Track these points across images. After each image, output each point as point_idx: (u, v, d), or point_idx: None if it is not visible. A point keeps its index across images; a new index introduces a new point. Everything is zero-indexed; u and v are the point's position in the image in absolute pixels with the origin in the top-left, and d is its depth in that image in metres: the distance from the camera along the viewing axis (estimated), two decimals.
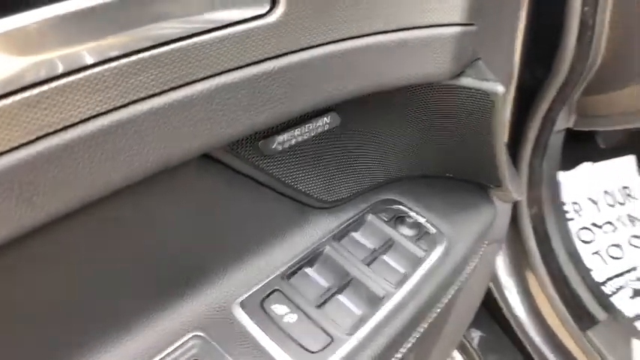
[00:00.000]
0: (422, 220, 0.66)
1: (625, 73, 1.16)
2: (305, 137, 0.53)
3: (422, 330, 0.61)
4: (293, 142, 0.52)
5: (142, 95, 0.36)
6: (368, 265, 0.60)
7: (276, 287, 0.57)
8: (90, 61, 0.34)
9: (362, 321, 0.55)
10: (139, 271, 0.49)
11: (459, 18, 0.51)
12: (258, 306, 0.55)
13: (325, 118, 0.54)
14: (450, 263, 0.63)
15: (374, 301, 0.57)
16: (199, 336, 0.52)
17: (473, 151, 0.64)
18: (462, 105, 0.57)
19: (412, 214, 0.66)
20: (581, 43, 1.07)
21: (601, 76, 1.15)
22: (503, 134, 0.63)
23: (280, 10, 0.41)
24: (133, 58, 0.35)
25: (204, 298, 0.55)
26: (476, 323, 1.37)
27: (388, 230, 0.63)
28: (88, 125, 0.34)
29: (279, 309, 0.55)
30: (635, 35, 1.10)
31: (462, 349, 1.38)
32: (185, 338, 0.52)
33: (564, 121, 1.21)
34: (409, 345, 0.59)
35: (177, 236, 0.51)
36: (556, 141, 1.22)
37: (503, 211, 0.79)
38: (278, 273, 0.58)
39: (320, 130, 0.54)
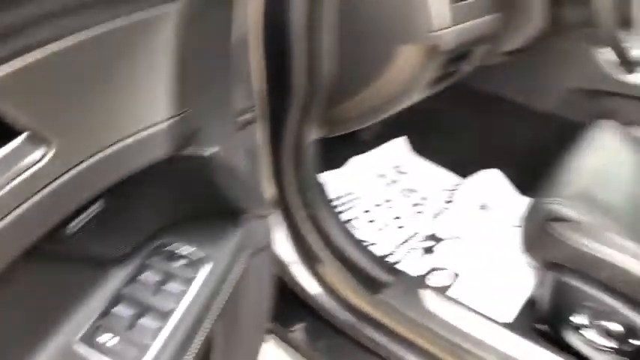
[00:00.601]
0: (190, 250, 0.98)
1: (360, 79, 1.47)
2: (86, 221, 0.83)
3: (209, 326, 0.93)
4: (78, 227, 0.82)
5: None
6: (155, 294, 0.92)
7: (99, 324, 0.89)
8: None
9: (159, 330, 0.87)
10: (6, 330, 0.79)
11: (168, 115, 0.80)
12: (91, 338, 0.87)
13: (97, 204, 0.84)
14: (216, 277, 0.95)
15: (164, 316, 0.89)
16: None
17: (217, 194, 0.98)
18: (192, 165, 0.89)
19: (184, 247, 0.98)
20: (311, 67, 1.34)
21: (341, 87, 1.43)
22: (231, 180, 0.97)
23: (52, 152, 0.68)
24: None
25: (55, 342, 0.85)
26: (298, 318, 1.62)
27: (166, 266, 0.95)
28: None
29: (104, 337, 0.87)
30: (361, 44, 1.40)
31: (292, 344, 1.63)
32: None
33: (316, 134, 1.49)
34: (202, 338, 0.92)
35: (26, 305, 0.81)
36: (312, 151, 1.50)
37: (260, 225, 1.12)
38: (97, 314, 0.89)
39: (95, 212, 0.84)
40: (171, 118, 0.81)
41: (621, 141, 1.72)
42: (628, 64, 1.76)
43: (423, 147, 2.34)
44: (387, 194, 2.13)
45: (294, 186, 1.50)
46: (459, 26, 1.35)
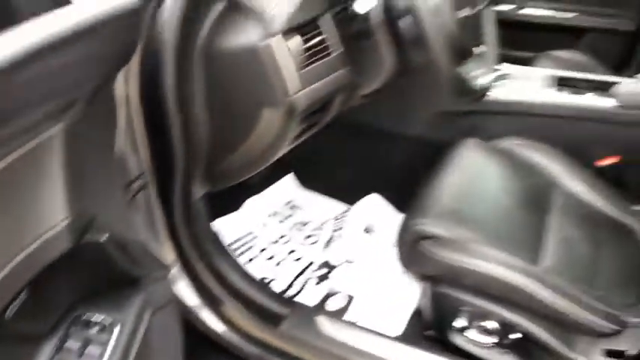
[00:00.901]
0: (101, 317, 1.22)
1: (233, 140, 1.66)
2: (18, 307, 1.07)
3: None
4: (12, 312, 1.06)
5: None
6: (79, 358, 1.16)
7: None
8: None
9: None
10: None
11: (64, 216, 1.02)
12: None
13: (23, 293, 1.08)
14: (126, 336, 1.20)
15: None
16: None
17: (117, 267, 1.23)
18: (91, 250, 1.13)
19: (95, 316, 1.23)
20: (187, 135, 1.55)
21: (217, 148, 1.64)
22: (128, 253, 1.22)
23: None
24: None
25: None
26: (213, 357, 1.81)
27: (84, 333, 1.19)
28: None
29: None
30: (230, 110, 1.62)
31: None
32: None
33: (201, 190, 1.69)
34: None
35: None
36: (202, 205, 1.71)
37: (160, 285, 1.35)
38: None
39: (23, 299, 1.08)
40: (67, 218, 1.03)
41: (484, 155, 1.97)
42: (472, 94, 2.03)
43: (310, 181, 2.58)
44: (281, 230, 2.36)
45: (190, 240, 1.70)
46: (308, 88, 1.59)
